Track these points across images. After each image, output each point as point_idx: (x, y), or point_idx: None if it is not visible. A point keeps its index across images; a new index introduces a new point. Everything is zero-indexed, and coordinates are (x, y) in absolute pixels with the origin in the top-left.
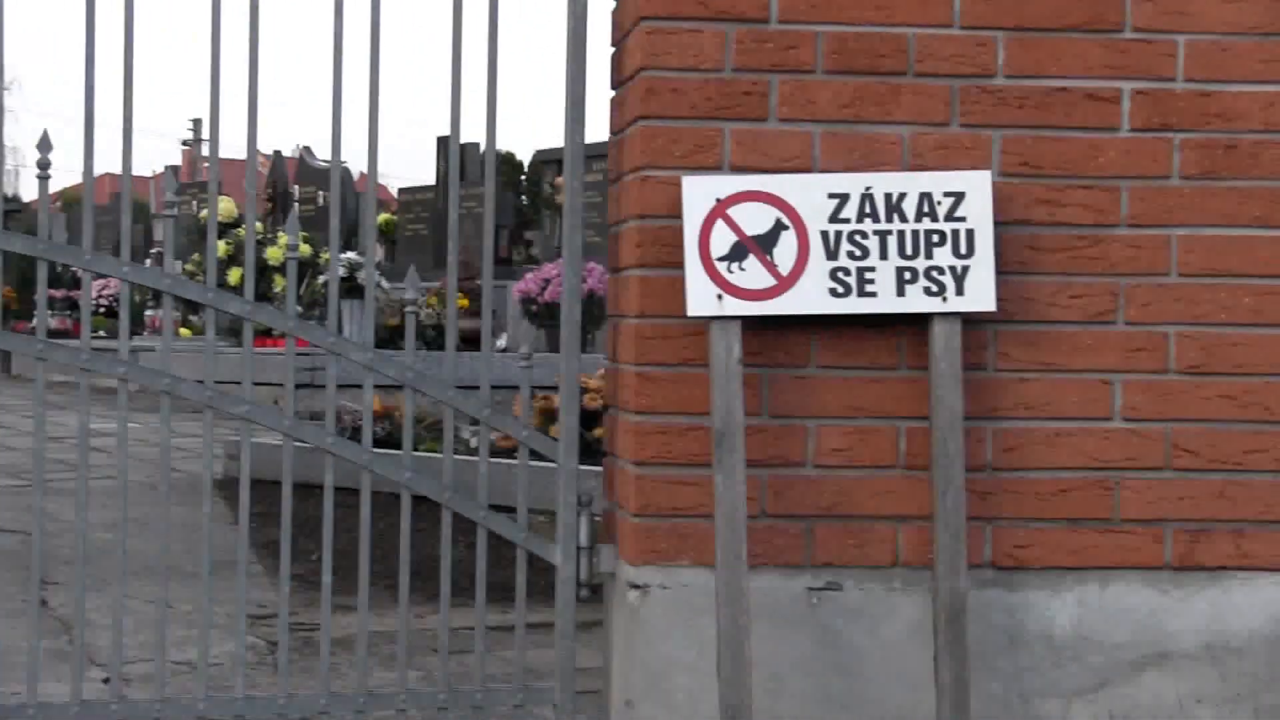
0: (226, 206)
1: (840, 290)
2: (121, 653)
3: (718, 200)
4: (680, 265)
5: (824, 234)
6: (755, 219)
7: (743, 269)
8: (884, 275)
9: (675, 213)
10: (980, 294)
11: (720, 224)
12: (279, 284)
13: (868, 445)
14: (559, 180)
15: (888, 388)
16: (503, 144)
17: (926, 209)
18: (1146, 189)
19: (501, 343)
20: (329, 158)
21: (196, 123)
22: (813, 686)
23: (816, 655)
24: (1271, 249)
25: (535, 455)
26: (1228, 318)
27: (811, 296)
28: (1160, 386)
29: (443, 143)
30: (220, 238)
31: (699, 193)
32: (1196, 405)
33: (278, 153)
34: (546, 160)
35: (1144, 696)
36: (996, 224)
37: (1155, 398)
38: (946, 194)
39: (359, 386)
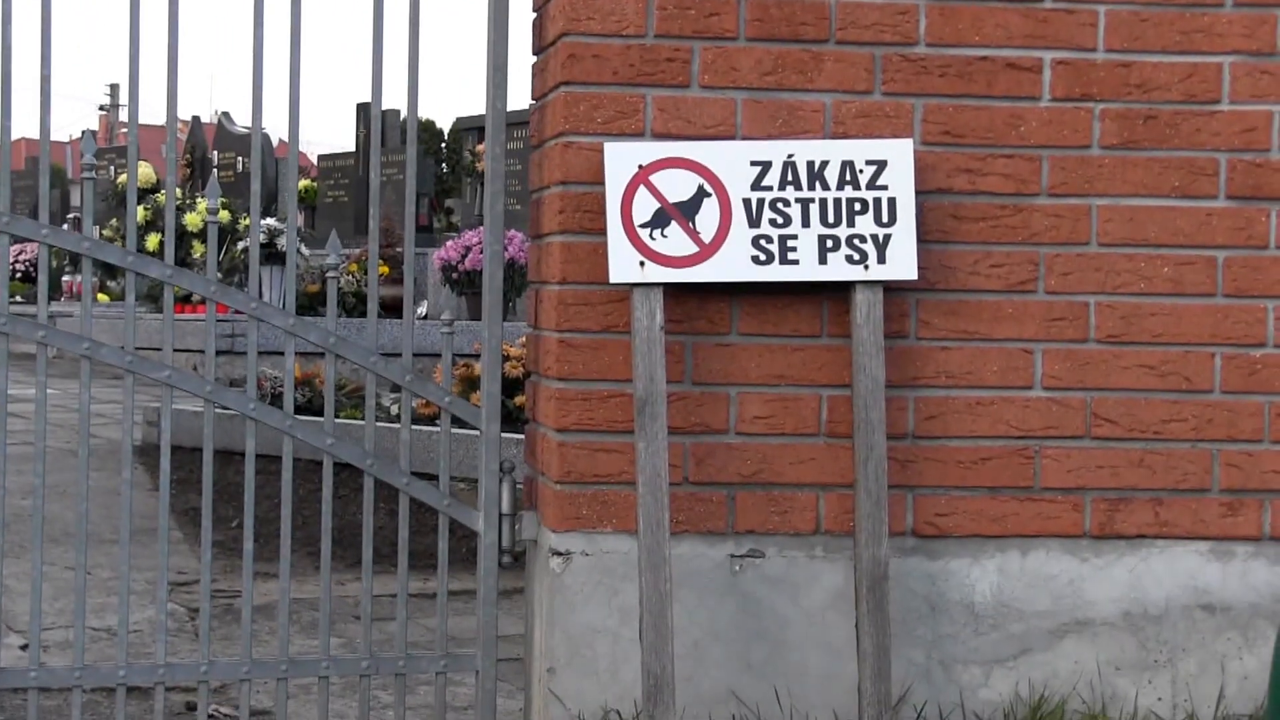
0: (145, 172)
1: (762, 258)
2: (40, 619)
3: (640, 167)
4: (602, 232)
5: (746, 201)
6: (678, 186)
7: (665, 236)
8: (806, 243)
9: (597, 179)
10: (902, 262)
11: (643, 190)
12: (198, 250)
13: (790, 413)
14: (480, 147)
15: (810, 355)
16: (424, 111)
17: (849, 177)
18: (1067, 159)
19: (422, 310)
20: (248, 123)
21: (114, 88)
22: (735, 654)
23: (739, 623)
24: (1189, 219)
25: (457, 422)
26: (1146, 287)
27: (734, 264)
28: (1080, 355)
29: (363, 109)
30: (139, 203)
31: (621, 159)
32: (1116, 374)
33: (196, 118)
34: (467, 127)
35: (1063, 664)
36: (918, 193)
37: (1075, 367)
38: (869, 162)
39: (280, 353)
